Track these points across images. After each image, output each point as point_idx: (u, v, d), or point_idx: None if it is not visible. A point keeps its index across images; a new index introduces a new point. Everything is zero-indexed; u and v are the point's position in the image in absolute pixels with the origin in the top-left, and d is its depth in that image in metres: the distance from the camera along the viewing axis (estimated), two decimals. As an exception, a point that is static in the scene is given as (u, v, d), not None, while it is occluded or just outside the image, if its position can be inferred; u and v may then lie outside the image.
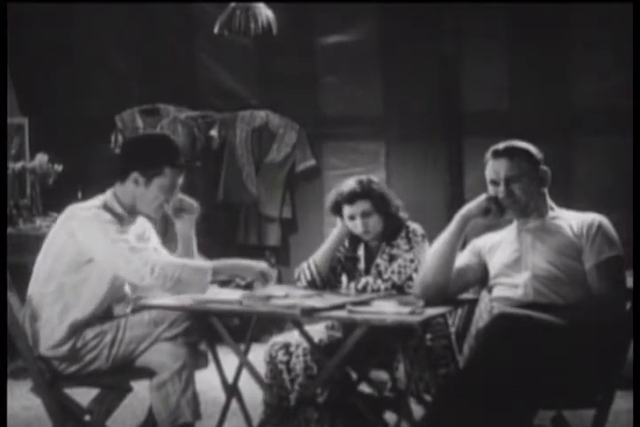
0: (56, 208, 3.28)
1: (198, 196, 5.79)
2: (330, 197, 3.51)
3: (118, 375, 3.19)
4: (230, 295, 3.23)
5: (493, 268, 3.18)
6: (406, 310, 2.95)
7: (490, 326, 2.79)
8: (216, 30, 4.47)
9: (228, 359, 3.52)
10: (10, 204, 5.30)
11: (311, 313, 2.98)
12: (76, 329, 3.12)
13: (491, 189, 3.14)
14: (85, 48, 6.02)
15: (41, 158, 5.37)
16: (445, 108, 5.49)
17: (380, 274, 3.41)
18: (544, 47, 5.19)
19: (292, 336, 3.43)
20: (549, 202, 3.19)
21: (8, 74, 5.79)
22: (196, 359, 3.17)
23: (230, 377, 3.44)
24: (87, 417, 3.24)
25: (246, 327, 3.53)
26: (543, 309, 2.90)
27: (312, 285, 3.46)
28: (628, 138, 3.75)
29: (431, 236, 3.33)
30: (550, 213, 3.16)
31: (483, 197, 3.14)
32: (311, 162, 5.80)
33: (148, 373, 3.10)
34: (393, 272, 3.37)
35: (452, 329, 3.32)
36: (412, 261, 3.37)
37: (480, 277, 3.23)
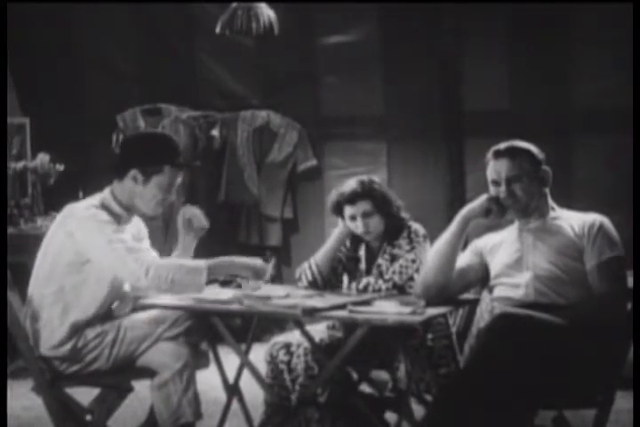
0: (57, 208, 3.28)
1: (199, 196, 5.85)
2: (331, 198, 3.51)
3: (119, 375, 3.19)
4: (223, 294, 3.24)
5: (494, 268, 3.18)
6: (407, 310, 2.95)
7: (491, 326, 2.79)
8: (218, 30, 4.48)
9: (229, 359, 3.52)
10: (11, 203, 5.30)
11: (312, 313, 2.98)
12: (77, 329, 3.12)
13: (492, 190, 3.14)
14: (85, 48, 6.01)
15: (42, 158, 5.37)
16: (445, 108, 5.49)
17: (381, 274, 3.41)
18: (544, 47, 5.19)
19: (293, 336, 3.43)
20: (550, 202, 3.19)
21: (8, 74, 5.79)
22: (197, 359, 3.17)
23: (231, 377, 3.44)
24: (88, 417, 3.24)
25: (247, 327, 3.54)
26: (544, 309, 2.90)
27: (313, 285, 3.46)
28: (629, 138, 3.75)
29: (432, 236, 3.33)
30: (551, 214, 3.16)
31: (484, 197, 3.14)
32: (312, 162, 5.80)
33: (149, 372, 3.10)
34: (394, 272, 3.38)
35: (453, 329, 3.32)
36: (413, 261, 3.38)
37: (481, 277, 3.23)
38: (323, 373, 3.21)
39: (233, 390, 3.45)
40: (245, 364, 3.34)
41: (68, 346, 3.11)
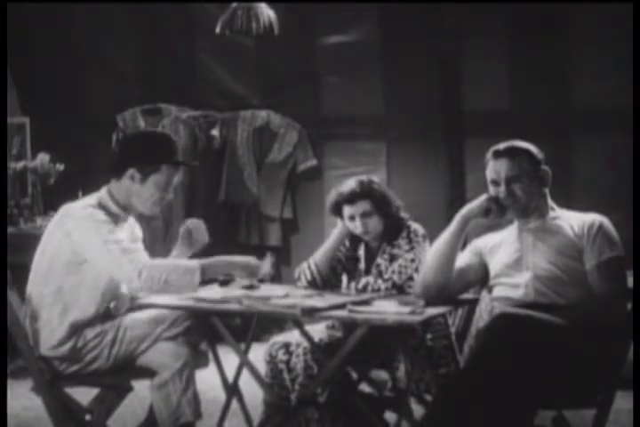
0: (57, 208, 3.28)
1: (199, 195, 5.86)
2: (330, 198, 3.51)
3: (119, 375, 3.19)
4: (223, 294, 3.25)
5: (494, 268, 3.18)
6: (407, 309, 2.95)
7: (490, 326, 2.79)
8: (218, 30, 4.47)
9: (229, 359, 3.52)
10: (11, 203, 5.30)
11: (312, 313, 2.98)
12: (77, 329, 3.12)
13: (491, 190, 3.14)
14: (85, 48, 6.01)
15: (42, 158, 5.37)
16: (445, 108, 5.49)
17: (380, 274, 3.41)
18: (544, 47, 5.19)
19: (293, 336, 3.43)
20: (550, 202, 3.19)
21: (8, 74, 5.79)
22: (197, 359, 3.17)
23: (231, 377, 3.44)
24: (88, 417, 3.24)
25: (247, 327, 3.54)
26: (544, 309, 2.90)
27: (312, 284, 3.46)
28: (629, 138, 3.75)
29: (432, 236, 3.33)
30: (551, 214, 3.16)
31: (483, 197, 3.14)
32: (312, 162, 5.80)
33: (148, 372, 3.11)
34: (393, 272, 3.37)
35: (453, 329, 3.32)
36: (412, 261, 3.38)
37: (481, 277, 3.23)
38: (322, 372, 3.21)
39: (232, 389, 3.45)
40: (245, 363, 3.34)
41: (68, 346, 3.11)
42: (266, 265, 3.30)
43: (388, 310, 2.98)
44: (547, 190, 3.18)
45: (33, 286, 3.19)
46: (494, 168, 3.12)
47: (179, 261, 3.21)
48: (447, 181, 5.47)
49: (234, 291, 3.32)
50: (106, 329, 3.14)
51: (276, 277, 5.76)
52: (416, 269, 3.33)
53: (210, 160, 5.81)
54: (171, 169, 3.20)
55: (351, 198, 3.43)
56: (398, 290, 3.34)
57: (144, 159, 3.17)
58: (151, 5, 5.81)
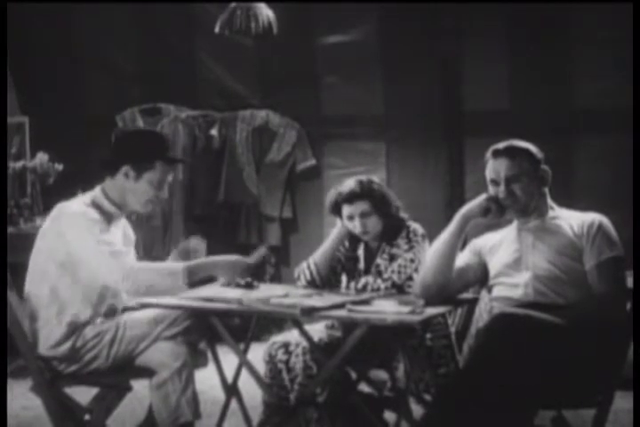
0: (56, 208, 3.28)
1: (199, 195, 5.85)
2: (329, 197, 3.51)
3: (118, 375, 3.19)
4: (225, 294, 3.24)
5: (494, 267, 3.18)
6: (406, 309, 2.95)
7: (490, 326, 2.79)
8: (217, 30, 4.47)
9: (228, 359, 3.52)
10: (10, 203, 5.30)
11: (311, 312, 2.98)
12: (75, 329, 3.12)
13: (491, 189, 3.14)
14: (85, 48, 6.01)
15: (41, 157, 5.37)
16: (445, 108, 5.49)
17: (379, 274, 3.41)
18: (544, 47, 5.18)
19: (292, 336, 3.43)
20: (550, 202, 3.19)
21: (8, 74, 5.79)
22: (196, 359, 3.17)
23: (230, 376, 3.44)
24: (87, 416, 3.24)
25: (246, 327, 3.53)
26: (543, 309, 2.90)
27: (312, 284, 3.46)
28: (629, 138, 3.74)
29: (431, 236, 3.33)
30: (550, 213, 3.16)
31: (483, 196, 3.14)
32: (312, 162, 5.79)
33: (147, 372, 3.10)
34: (393, 272, 3.37)
35: (452, 329, 3.32)
36: (412, 260, 3.37)
37: (480, 276, 3.23)
38: (322, 372, 3.21)
39: (232, 389, 3.44)
40: (244, 363, 3.34)
41: (67, 346, 3.11)
42: (255, 256, 3.27)
43: (387, 309, 2.98)
44: (546, 190, 3.17)
45: (30, 286, 3.19)
46: (494, 168, 3.12)
47: (164, 264, 3.22)
48: (447, 180, 5.47)
49: (233, 291, 3.31)
50: (105, 329, 3.14)
51: (275, 277, 5.77)
52: (415, 269, 3.33)
53: (209, 160, 5.81)
54: (165, 166, 3.21)
55: (350, 198, 3.43)
56: (398, 290, 3.34)
57: (138, 156, 3.18)
58: (151, 5, 5.81)
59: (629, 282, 3.00)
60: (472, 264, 3.22)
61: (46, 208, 5.25)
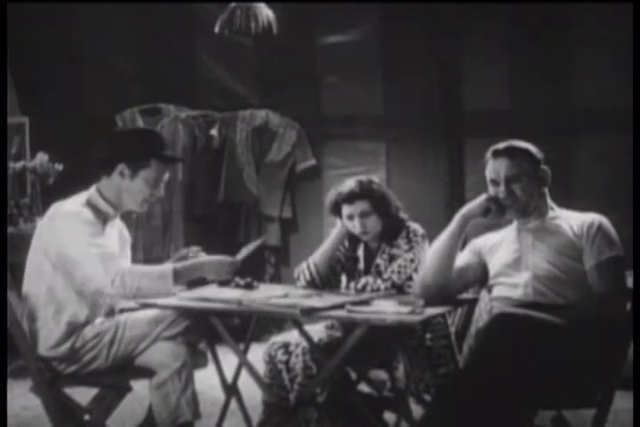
0: (56, 208, 3.28)
1: (198, 195, 5.85)
2: (329, 197, 3.51)
3: (118, 375, 3.19)
4: (224, 294, 3.24)
5: (493, 267, 3.17)
6: (406, 309, 2.95)
7: (490, 326, 2.79)
8: (216, 30, 4.47)
9: (228, 359, 3.52)
10: (10, 203, 5.30)
11: (311, 313, 2.98)
12: (74, 329, 3.12)
13: (491, 189, 3.14)
14: (85, 48, 6.01)
15: (41, 158, 5.37)
16: (445, 108, 5.49)
17: (379, 274, 3.41)
18: (544, 47, 5.18)
19: (292, 336, 3.43)
20: (549, 202, 3.18)
21: (8, 74, 5.79)
22: (196, 359, 3.17)
23: (230, 377, 3.44)
24: (87, 416, 3.23)
25: (246, 327, 3.53)
26: (543, 309, 2.90)
27: (311, 284, 3.46)
28: (629, 138, 3.74)
29: (431, 236, 3.33)
30: (550, 213, 3.16)
31: (483, 196, 3.14)
32: (311, 162, 5.79)
33: (147, 372, 3.10)
34: (393, 272, 3.37)
35: (452, 329, 3.32)
36: (412, 261, 3.37)
37: (480, 276, 3.22)
38: (321, 372, 3.21)
39: (231, 389, 3.44)
40: (244, 363, 3.33)
41: (66, 346, 3.11)
42: (244, 252, 3.26)
43: (387, 309, 2.98)
44: (546, 190, 3.17)
45: (27, 286, 3.19)
46: (494, 168, 3.12)
47: (152, 267, 3.20)
48: (447, 180, 5.47)
49: (233, 291, 3.31)
50: (104, 329, 3.13)
51: (275, 277, 5.77)
52: (415, 269, 3.33)
53: (209, 160, 5.81)
54: (160, 165, 3.21)
55: (350, 198, 3.42)
56: (398, 290, 3.33)
57: (133, 154, 3.19)
58: (151, 5, 5.81)
59: (629, 282, 3.00)
60: (472, 264, 3.22)
61: (46, 208, 5.25)
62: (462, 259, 3.21)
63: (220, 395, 3.51)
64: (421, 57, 5.44)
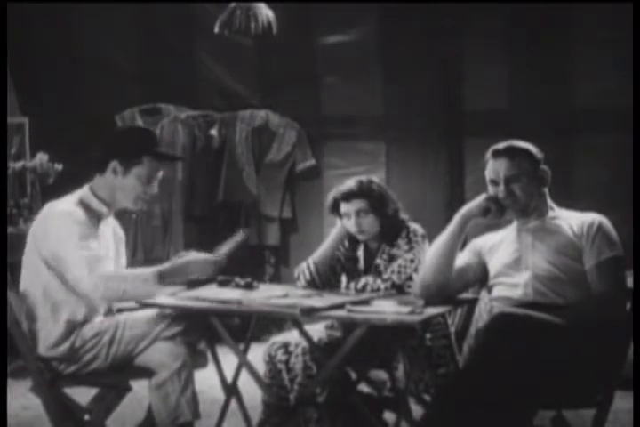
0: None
1: (198, 195, 5.85)
2: (329, 196, 3.51)
3: (117, 375, 3.19)
4: (223, 294, 3.24)
5: (493, 267, 3.17)
6: (406, 309, 2.95)
7: (489, 326, 2.78)
8: (216, 30, 4.47)
9: (228, 359, 3.51)
10: (10, 203, 5.30)
11: (311, 313, 2.98)
12: (73, 328, 3.12)
13: (491, 189, 3.14)
14: (85, 48, 6.01)
15: (41, 158, 5.37)
16: (445, 108, 5.49)
17: (379, 274, 3.41)
18: (544, 47, 5.19)
19: (292, 336, 3.43)
20: (549, 202, 3.18)
21: (8, 74, 5.78)
22: (196, 359, 3.17)
23: (229, 377, 3.44)
24: (86, 416, 3.23)
25: (246, 327, 3.53)
26: (543, 309, 2.90)
27: (311, 284, 3.46)
28: (628, 138, 3.75)
29: (431, 236, 3.33)
30: (550, 213, 3.16)
31: (482, 196, 3.14)
32: (311, 162, 5.80)
33: (147, 372, 3.10)
34: (393, 272, 3.37)
35: (452, 329, 3.32)
36: (412, 261, 3.37)
37: (480, 276, 3.22)
38: (321, 372, 3.21)
39: (231, 389, 3.44)
40: (244, 363, 3.33)
41: (66, 346, 3.11)
42: (227, 246, 3.25)
43: (387, 309, 2.98)
44: (546, 190, 3.17)
45: (24, 285, 3.18)
46: (493, 168, 3.12)
47: (136, 270, 3.20)
48: (446, 180, 5.47)
49: (233, 291, 3.31)
50: (104, 329, 3.13)
51: (275, 278, 5.77)
52: (415, 269, 3.33)
53: (209, 160, 5.82)
54: (153, 162, 3.20)
55: (347, 196, 3.43)
56: (397, 290, 3.33)
57: (125, 152, 3.19)
58: (151, 5, 5.81)
59: (629, 282, 3.00)
60: (472, 264, 3.22)
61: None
62: (462, 259, 3.21)
63: (219, 395, 3.51)
64: (421, 57, 5.44)
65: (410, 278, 3.32)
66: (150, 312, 3.18)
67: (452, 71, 5.45)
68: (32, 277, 3.15)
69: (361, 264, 3.52)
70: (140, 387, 3.27)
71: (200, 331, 3.20)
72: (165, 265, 3.14)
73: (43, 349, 3.12)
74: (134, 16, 5.95)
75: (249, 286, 3.38)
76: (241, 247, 3.34)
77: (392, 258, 3.42)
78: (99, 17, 5.88)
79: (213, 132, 5.80)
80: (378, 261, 3.45)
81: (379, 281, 3.37)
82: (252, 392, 3.58)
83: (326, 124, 5.78)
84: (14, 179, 5.47)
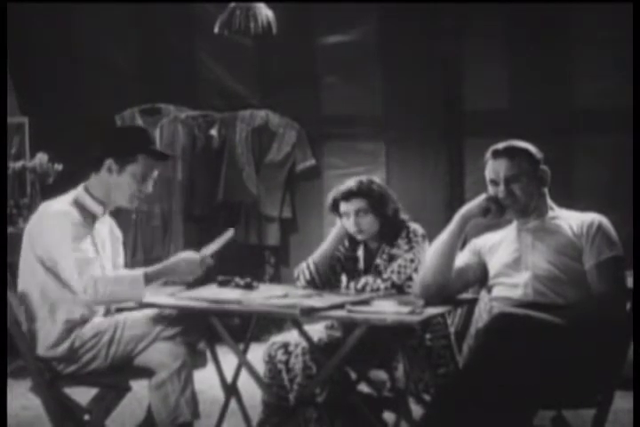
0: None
1: (198, 195, 5.85)
2: (329, 195, 3.51)
3: (117, 375, 3.19)
4: (223, 294, 3.24)
5: (493, 267, 3.17)
6: (406, 309, 2.95)
7: (489, 326, 2.78)
8: (216, 30, 4.47)
9: (227, 359, 3.52)
10: (10, 203, 5.30)
11: (310, 313, 2.98)
12: (72, 328, 3.12)
13: (490, 189, 3.13)
14: (85, 48, 6.01)
15: (41, 158, 5.37)
16: (445, 108, 5.49)
17: (379, 274, 3.41)
18: (544, 47, 5.19)
19: (292, 336, 3.42)
20: (549, 202, 3.18)
21: (8, 74, 5.78)
22: (195, 359, 3.16)
23: (229, 377, 3.44)
24: (86, 417, 3.23)
25: (246, 327, 3.53)
26: (543, 309, 2.89)
27: (311, 284, 3.45)
28: (628, 138, 3.74)
29: (431, 236, 3.33)
30: (550, 213, 3.16)
31: (482, 196, 3.13)
32: (311, 162, 5.80)
33: (146, 372, 3.10)
34: (392, 272, 3.37)
35: (452, 329, 3.32)
36: (412, 261, 3.37)
37: (480, 276, 3.22)
38: (321, 372, 3.21)
39: (231, 389, 3.44)
40: (243, 363, 3.33)
41: (65, 346, 3.11)
42: (213, 246, 3.25)
43: (387, 309, 2.98)
44: (546, 190, 3.17)
45: (22, 285, 3.18)
46: (493, 168, 3.12)
47: (123, 272, 3.21)
48: (446, 181, 5.47)
49: (232, 291, 3.31)
50: (103, 329, 3.13)
51: (275, 278, 5.77)
52: (415, 269, 3.33)
53: (209, 160, 5.81)
54: (148, 160, 3.21)
55: (347, 196, 3.43)
56: (397, 290, 3.33)
57: (120, 149, 3.19)
58: (151, 5, 5.81)
59: (629, 282, 3.00)
60: (472, 264, 3.21)
61: (46, 208, 5.26)
62: (462, 259, 3.21)
63: (219, 395, 3.51)
64: (421, 57, 5.44)
65: (410, 278, 3.32)
66: (150, 312, 3.18)
67: (452, 71, 5.45)
68: (29, 278, 3.15)
69: (361, 264, 3.52)
70: (139, 387, 3.27)
71: (200, 331, 3.20)
72: (152, 267, 3.15)
73: (42, 349, 3.12)
74: (134, 16, 5.95)
75: (249, 286, 3.38)
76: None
77: (392, 258, 3.42)
78: (99, 17, 5.88)
79: (213, 132, 5.80)
80: (378, 261, 3.45)
81: (379, 281, 3.37)
82: (251, 392, 3.58)
83: (326, 124, 5.78)
84: (14, 179, 5.47)
